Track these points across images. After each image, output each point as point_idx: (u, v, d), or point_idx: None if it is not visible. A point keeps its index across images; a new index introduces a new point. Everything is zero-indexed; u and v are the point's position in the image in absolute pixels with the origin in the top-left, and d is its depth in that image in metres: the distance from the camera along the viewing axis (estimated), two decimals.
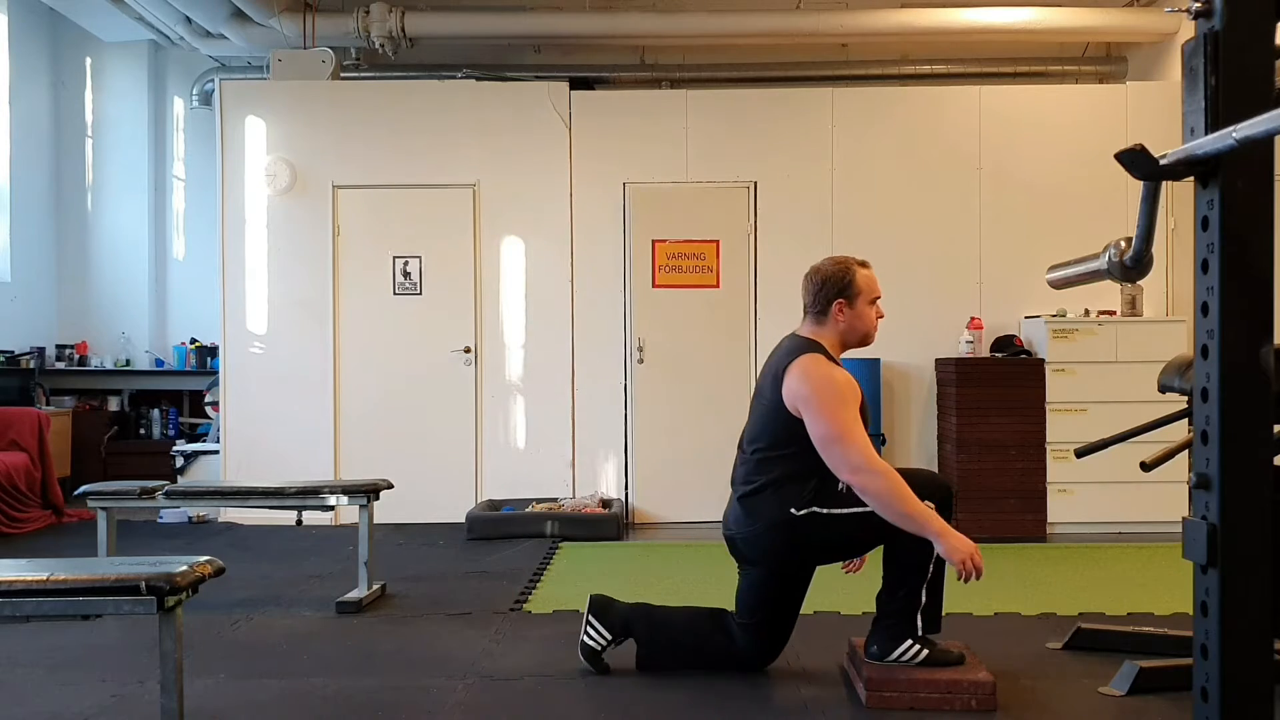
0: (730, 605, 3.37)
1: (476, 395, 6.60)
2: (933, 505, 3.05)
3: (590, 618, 3.33)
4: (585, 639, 3.32)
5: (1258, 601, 1.92)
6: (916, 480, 3.14)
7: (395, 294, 6.61)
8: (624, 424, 6.56)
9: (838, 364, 3.23)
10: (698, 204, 6.59)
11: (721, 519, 3.34)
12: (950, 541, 2.95)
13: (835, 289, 3.27)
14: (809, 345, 3.25)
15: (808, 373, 3.14)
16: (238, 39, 7.08)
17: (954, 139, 6.63)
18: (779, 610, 3.27)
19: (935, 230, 6.59)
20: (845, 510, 3.09)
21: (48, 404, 7.59)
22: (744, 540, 3.22)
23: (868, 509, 3.03)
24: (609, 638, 3.31)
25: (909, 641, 3.08)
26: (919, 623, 3.10)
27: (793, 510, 3.10)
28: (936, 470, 6.46)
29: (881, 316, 3.34)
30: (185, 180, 8.60)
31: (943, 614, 3.17)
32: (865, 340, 3.33)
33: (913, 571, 3.10)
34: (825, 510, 3.10)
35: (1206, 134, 1.92)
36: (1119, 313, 6.25)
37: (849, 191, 6.62)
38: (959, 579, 2.96)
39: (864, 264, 3.32)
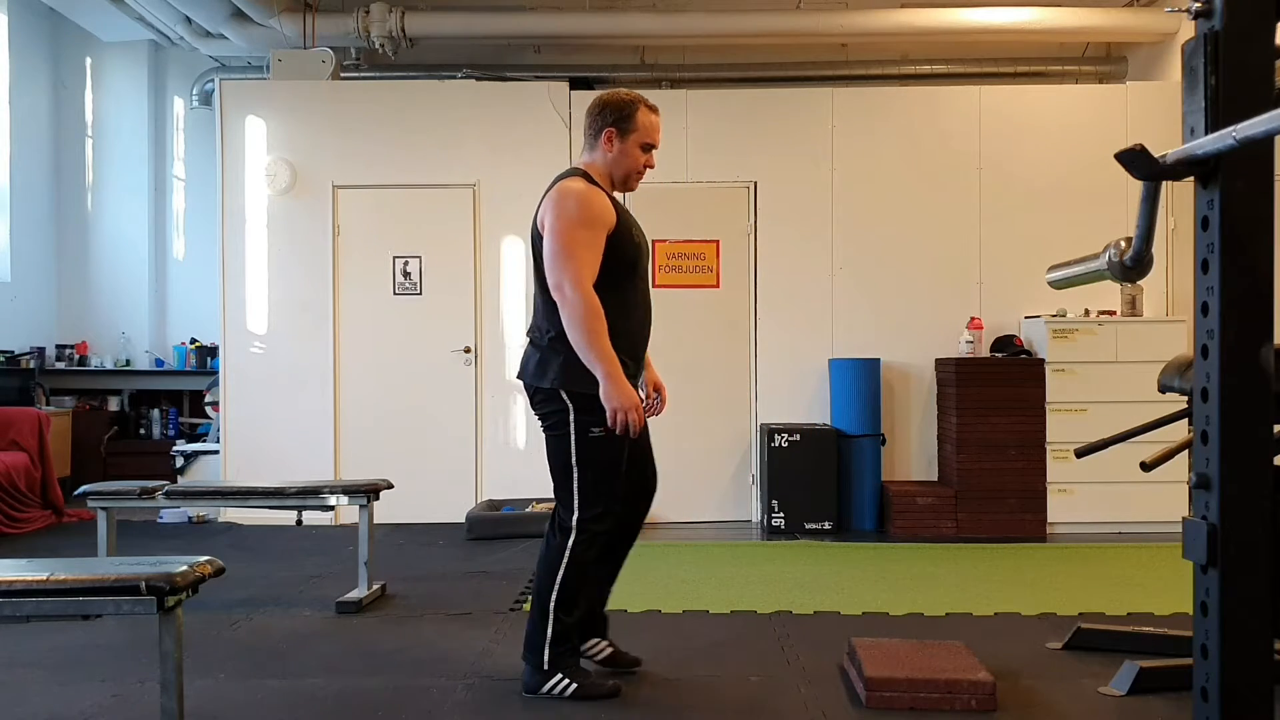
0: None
1: (476, 395, 6.60)
2: None
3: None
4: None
5: (1258, 601, 1.92)
6: (609, 489, 3.05)
7: (395, 294, 6.61)
8: None
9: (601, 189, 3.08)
10: (698, 204, 6.58)
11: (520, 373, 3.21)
12: (613, 387, 2.88)
13: (612, 117, 3.11)
14: (573, 171, 3.14)
15: (557, 190, 3.04)
16: (238, 39, 7.08)
17: (954, 139, 6.63)
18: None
19: (935, 230, 6.59)
20: (579, 437, 3.00)
21: (48, 404, 7.59)
22: (526, 387, 3.14)
23: (598, 465, 2.98)
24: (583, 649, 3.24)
25: (558, 676, 3.03)
26: (547, 655, 3.02)
27: (553, 385, 3.02)
28: (937, 471, 6.46)
29: (651, 166, 3.17)
30: (185, 180, 8.61)
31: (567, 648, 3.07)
32: (626, 182, 3.15)
33: (542, 593, 3.02)
34: (570, 416, 3.01)
35: (1206, 134, 1.92)
36: (1119, 313, 6.25)
37: (849, 191, 6.62)
38: (599, 430, 2.93)
39: (653, 109, 3.15)
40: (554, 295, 2.95)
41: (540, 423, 3.14)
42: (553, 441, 3.09)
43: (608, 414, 2.91)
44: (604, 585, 3.29)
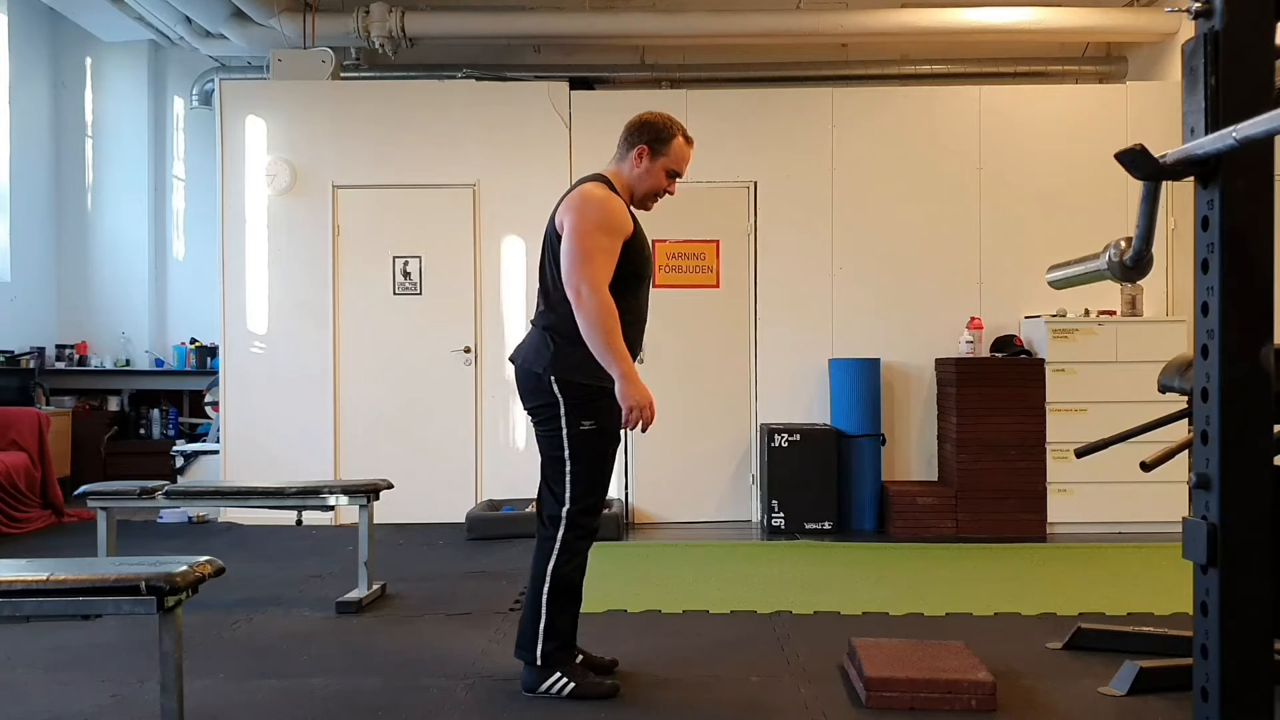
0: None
1: (476, 395, 6.60)
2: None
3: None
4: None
5: (1258, 601, 1.92)
6: (600, 483, 3.08)
7: (395, 294, 6.61)
8: None
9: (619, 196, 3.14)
10: (698, 204, 6.58)
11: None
12: (629, 387, 2.92)
13: (649, 135, 3.18)
14: (597, 176, 3.21)
15: (579, 193, 3.12)
16: (238, 39, 7.09)
17: (954, 139, 6.63)
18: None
19: (935, 230, 6.59)
20: (568, 430, 3.03)
21: (48, 404, 7.59)
22: (518, 373, 3.16)
23: (588, 458, 3.01)
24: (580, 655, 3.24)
25: (555, 674, 3.04)
26: (540, 650, 3.03)
27: (550, 377, 3.03)
28: (937, 471, 6.46)
29: (671, 193, 3.25)
30: (185, 180, 8.60)
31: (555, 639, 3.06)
32: (645, 200, 3.23)
33: (536, 583, 3.04)
34: (562, 410, 3.04)
35: (1206, 134, 1.93)
36: (1119, 313, 6.25)
37: (849, 191, 6.62)
38: (625, 425, 2.97)
39: (690, 141, 3.23)
40: (570, 295, 2.99)
41: (529, 417, 3.16)
42: (543, 434, 3.12)
43: (624, 411, 2.95)
44: None
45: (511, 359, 3.21)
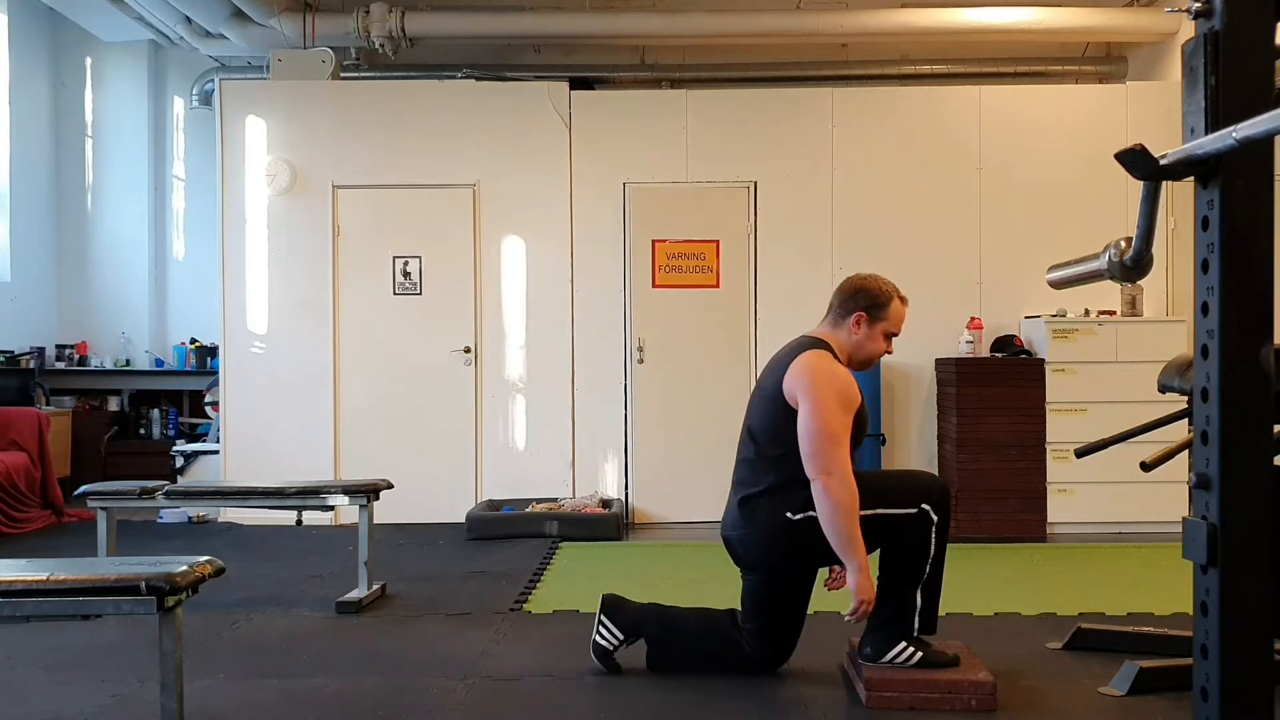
0: (730, 602, 3.37)
1: (476, 395, 6.60)
2: (929, 511, 3.06)
3: (603, 617, 3.32)
4: (597, 638, 3.31)
5: (1258, 601, 1.92)
6: (918, 481, 3.14)
7: (395, 294, 6.61)
8: (624, 424, 6.56)
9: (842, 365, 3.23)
10: (698, 204, 6.58)
11: (720, 519, 3.34)
12: (862, 580, 2.99)
13: (865, 301, 3.25)
14: (819, 343, 3.25)
15: (812, 364, 3.14)
16: (238, 39, 7.08)
17: (954, 139, 6.62)
18: (782, 614, 3.26)
19: (935, 230, 6.59)
20: (799, 524, 3.09)
21: (48, 404, 7.59)
22: (740, 543, 3.22)
23: (866, 516, 3.03)
24: (621, 638, 3.30)
25: (903, 644, 3.07)
26: (915, 624, 3.09)
27: (789, 515, 3.10)
28: (937, 471, 6.46)
29: (890, 352, 3.35)
30: (185, 180, 8.61)
31: (938, 615, 3.16)
32: (866, 364, 3.32)
33: (909, 581, 3.09)
34: (788, 519, 3.11)
35: (1206, 134, 1.93)
36: (1119, 313, 6.25)
37: (849, 191, 6.62)
38: (846, 616, 3.02)
39: (905, 300, 3.30)
40: (815, 477, 3.01)
41: (786, 561, 3.18)
42: (808, 542, 3.09)
43: (854, 603, 3.00)
44: (692, 662, 3.34)
45: (725, 533, 3.27)
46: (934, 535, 3.07)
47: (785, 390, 3.14)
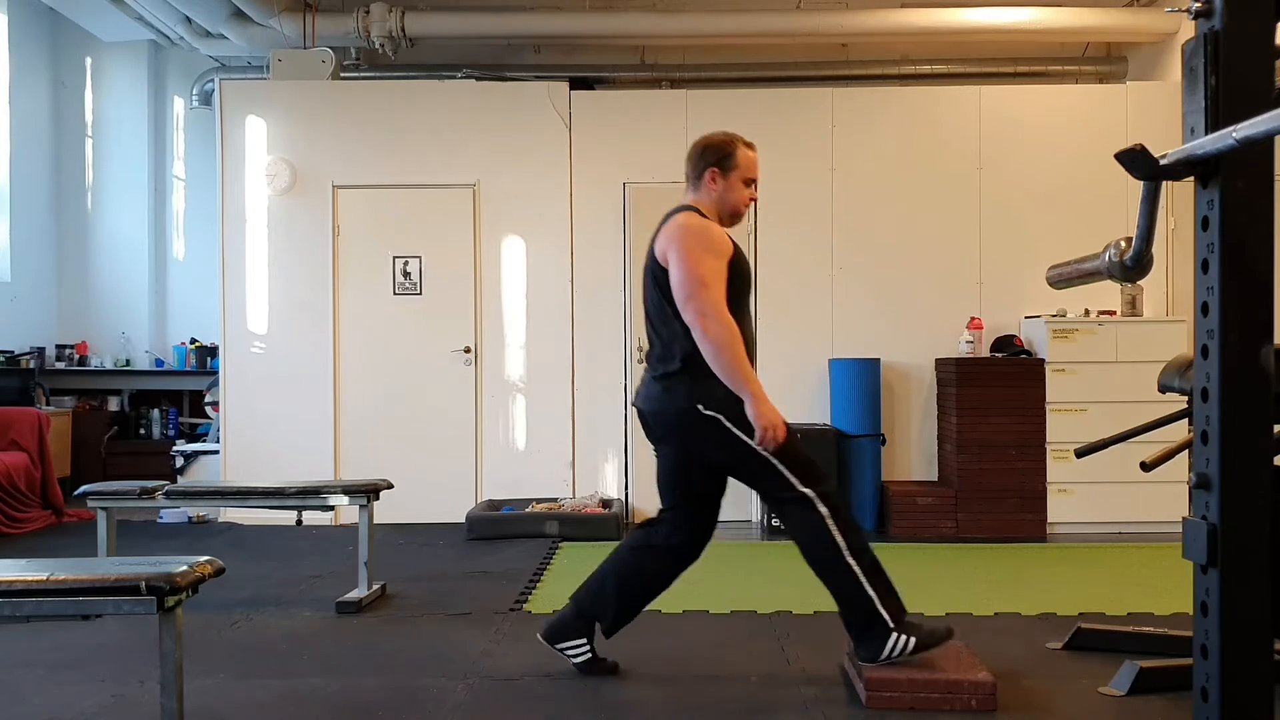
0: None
1: (476, 395, 6.60)
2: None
3: (555, 647, 3.30)
4: (572, 660, 3.30)
5: (1258, 601, 1.92)
6: (819, 473, 3.12)
7: (395, 294, 6.61)
8: (624, 424, 6.56)
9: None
10: None
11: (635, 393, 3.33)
12: (760, 407, 2.98)
13: (713, 156, 3.27)
14: (685, 207, 3.27)
15: (676, 223, 3.18)
16: (238, 39, 7.08)
17: (954, 139, 6.62)
18: (697, 495, 3.25)
19: (935, 230, 6.59)
20: (747, 438, 3.05)
21: (48, 404, 7.59)
22: (654, 416, 3.21)
23: (765, 459, 3.03)
24: (584, 641, 3.29)
25: (891, 637, 3.03)
26: (886, 616, 3.03)
27: (700, 407, 3.08)
28: (937, 471, 6.46)
29: (754, 199, 3.36)
30: (185, 180, 8.61)
31: (901, 599, 3.08)
32: (734, 216, 3.33)
33: (831, 568, 3.06)
34: (729, 426, 3.06)
35: (1206, 134, 1.93)
36: (1119, 313, 6.25)
37: (849, 191, 6.62)
38: (755, 443, 3.00)
39: (750, 145, 3.31)
40: (692, 322, 3.03)
41: (691, 448, 3.17)
42: (722, 459, 3.13)
43: (758, 432, 2.99)
44: (636, 601, 3.30)
45: (639, 404, 3.24)
46: (832, 527, 3.05)
47: (658, 257, 3.17)
